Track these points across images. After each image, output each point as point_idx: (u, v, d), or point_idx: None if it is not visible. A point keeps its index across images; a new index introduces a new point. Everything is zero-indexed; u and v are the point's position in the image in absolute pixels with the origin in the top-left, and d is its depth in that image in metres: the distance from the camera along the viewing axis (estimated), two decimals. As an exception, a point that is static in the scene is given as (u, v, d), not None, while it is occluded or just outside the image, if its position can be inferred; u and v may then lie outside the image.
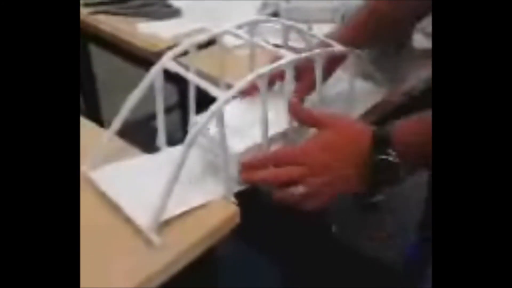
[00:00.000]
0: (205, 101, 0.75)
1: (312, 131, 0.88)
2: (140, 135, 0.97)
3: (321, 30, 1.04)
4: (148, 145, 0.89)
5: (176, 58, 0.81)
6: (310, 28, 1.07)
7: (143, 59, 1.20)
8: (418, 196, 1.68)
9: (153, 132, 0.90)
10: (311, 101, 0.89)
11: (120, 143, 0.87)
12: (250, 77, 0.75)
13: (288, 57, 0.80)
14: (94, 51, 1.63)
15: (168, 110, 2.03)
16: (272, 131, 0.81)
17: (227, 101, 0.73)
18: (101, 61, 1.78)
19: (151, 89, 0.82)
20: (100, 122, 1.73)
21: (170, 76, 0.83)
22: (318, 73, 0.85)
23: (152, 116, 0.89)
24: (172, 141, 0.87)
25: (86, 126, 0.94)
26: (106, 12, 1.35)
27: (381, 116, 1.00)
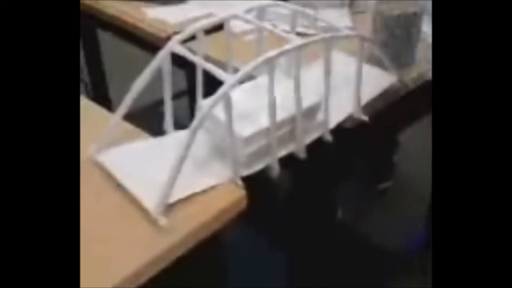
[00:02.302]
0: (214, 87, 0.75)
1: (320, 115, 0.88)
2: (149, 121, 0.97)
3: (329, 15, 1.04)
4: (157, 130, 0.90)
5: (184, 43, 0.81)
6: (317, 13, 1.06)
7: (151, 44, 1.20)
8: (426, 185, 1.67)
9: (162, 117, 0.90)
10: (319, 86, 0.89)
11: (127, 126, 0.88)
12: (257, 60, 0.74)
13: (296, 41, 0.79)
14: (103, 37, 1.63)
15: (177, 96, 2.04)
16: (280, 115, 0.81)
17: (234, 85, 0.73)
18: (109, 47, 1.79)
19: (160, 75, 0.82)
20: (109, 107, 1.74)
21: (179, 62, 0.83)
22: (326, 58, 0.84)
23: (161, 102, 0.89)
24: (181, 127, 0.88)
25: (95, 110, 0.94)
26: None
27: (390, 101, 1.00)
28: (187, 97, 2.07)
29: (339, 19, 1.18)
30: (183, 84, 2.06)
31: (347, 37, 0.90)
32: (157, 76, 0.83)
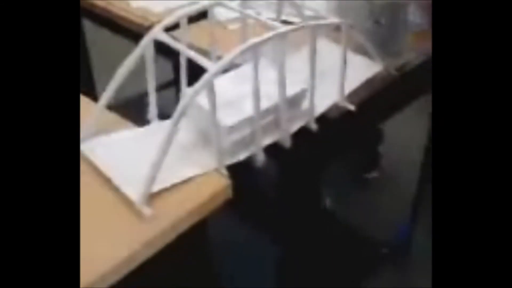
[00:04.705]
0: (199, 77, 0.74)
1: (305, 103, 0.88)
2: (135, 112, 0.96)
3: (316, 3, 1.04)
4: (144, 121, 0.89)
5: (168, 32, 0.80)
6: (303, 1, 1.05)
7: (136, 34, 1.19)
8: (411, 175, 1.68)
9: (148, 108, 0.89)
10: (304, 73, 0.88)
11: (112, 116, 0.87)
12: (241, 48, 0.74)
13: (280, 28, 0.79)
14: (89, 27, 1.61)
15: (164, 86, 2.02)
16: (264, 104, 0.80)
17: (217, 73, 0.72)
18: (96, 38, 1.77)
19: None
20: (95, 98, 1.72)
21: (166, 52, 0.82)
22: (311, 45, 0.84)
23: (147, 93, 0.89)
24: (169, 117, 0.87)
25: (79, 100, 0.93)
26: (99, -14, 1.33)
27: (376, 90, 1.00)
28: (174, 88, 2.06)
29: (325, 7, 1.18)
30: (170, 75, 2.05)
31: (332, 25, 0.89)
32: (144, 67, 0.82)
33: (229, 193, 0.77)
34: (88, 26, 1.59)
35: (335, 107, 0.92)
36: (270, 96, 0.82)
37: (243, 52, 0.74)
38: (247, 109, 0.80)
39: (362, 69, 0.99)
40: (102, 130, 0.83)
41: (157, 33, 0.79)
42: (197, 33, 0.93)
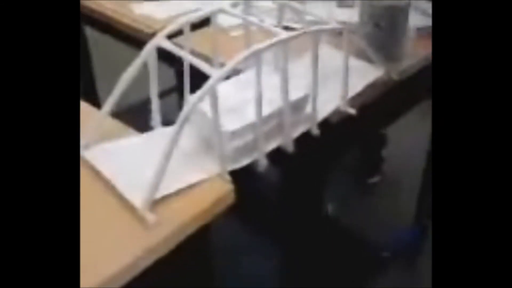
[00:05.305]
0: (202, 84, 0.75)
1: (307, 108, 0.88)
2: (138, 119, 0.97)
3: (317, 9, 1.04)
4: (146, 128, 0.89)
5: (171, 39, 0.81)
6: (305, 7, 1.06)
7: (138, 41, 1.19)
8: (414, 181, 1.68)
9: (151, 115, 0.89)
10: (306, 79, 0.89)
11: (115, 123, 0.87)
12: (244, 54, 0.74)
13: (282, 34, 0.79)
14: (92, 34, 1.62)
15: (166, 93, 2.03)
16: (267, 109, 0.81)
17: (220, 79, 0.73)
18: (98, 45, 1.77)
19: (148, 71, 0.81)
20: (97, 105, 1.72)
21: (168, 59, 0.83)
22: (313, 51, 0.84)
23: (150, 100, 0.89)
24: (170, 123, 0.87)
25: (82, 107, 0.93)
26: (101, -6, 1.33)
27: (377, 94, 1.00)
28: (176, 94, 2.07)
29: (327, 12, 1.18)
30: (172, 82, 2.06)
31: (333, 30, 0.90)
32: (147, 74, 0.82)
33: (232, 198, 0.77)
34: (90, 32, 1.60)
35: (337, 112, 0.93)
36: (272, 102, 0.82)
37: (246, 59, 0.74)
38: (250, 115, 0.80)
39: (364, 74, 0.99)
40: (105, 137, 0.83)
41: (160, 40, 0.80)
42: (200, 40, 0.93)
